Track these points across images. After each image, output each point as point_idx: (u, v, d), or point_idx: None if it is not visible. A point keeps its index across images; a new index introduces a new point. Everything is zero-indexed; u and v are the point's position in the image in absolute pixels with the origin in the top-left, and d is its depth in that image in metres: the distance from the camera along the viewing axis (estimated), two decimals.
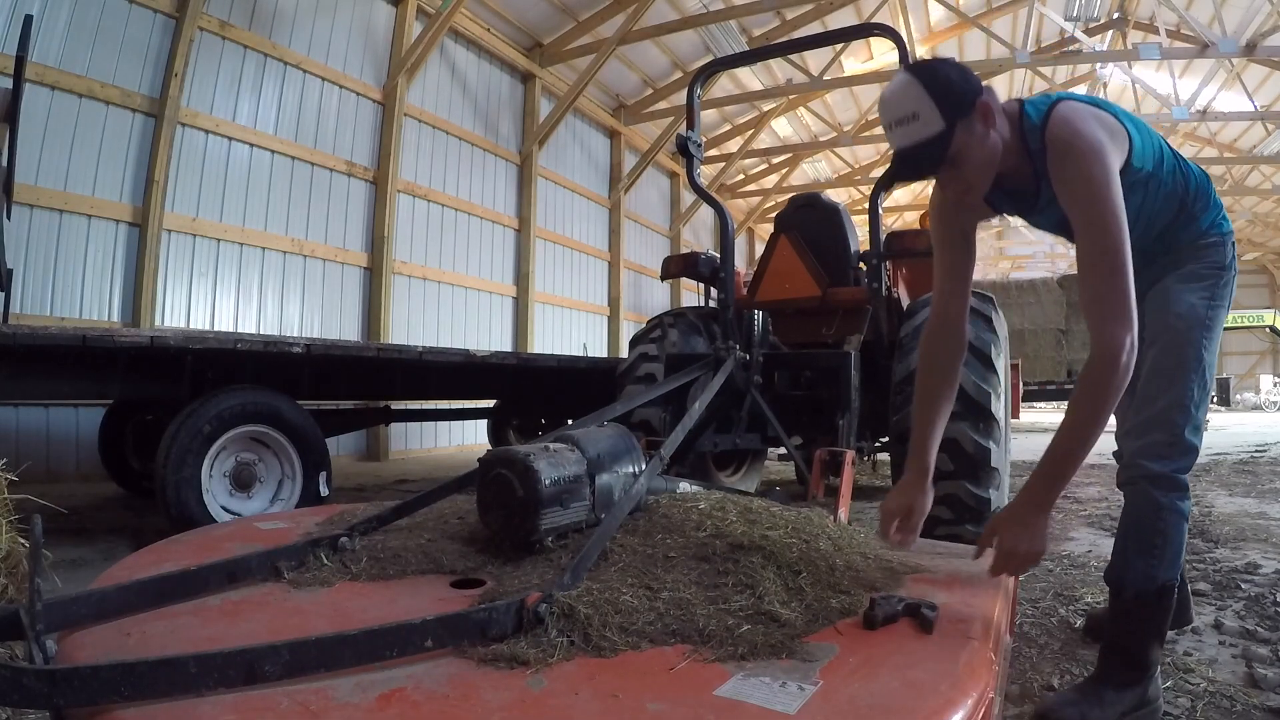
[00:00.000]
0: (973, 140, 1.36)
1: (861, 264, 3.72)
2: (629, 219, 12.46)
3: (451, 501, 1.64)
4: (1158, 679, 1.59)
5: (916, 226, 3.50)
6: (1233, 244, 1.66)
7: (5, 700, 0.74)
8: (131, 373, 3.06)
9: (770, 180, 16.29)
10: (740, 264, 10.79)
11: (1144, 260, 1.63)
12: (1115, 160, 1.38)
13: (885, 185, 3.15)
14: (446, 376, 4.61)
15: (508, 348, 9.36)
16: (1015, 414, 6.32)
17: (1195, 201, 1.60)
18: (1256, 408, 21.16)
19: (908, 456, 1.57)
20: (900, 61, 2.97)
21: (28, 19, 3.56)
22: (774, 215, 4.28)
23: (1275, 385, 22.29)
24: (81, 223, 5.31)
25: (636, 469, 1.54)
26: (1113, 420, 1.52)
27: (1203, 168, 1.68)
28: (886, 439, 3.57)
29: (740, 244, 16.67)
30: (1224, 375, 20.25)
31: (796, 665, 0.93)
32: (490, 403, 6.26)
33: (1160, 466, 1.55)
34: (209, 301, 6.17)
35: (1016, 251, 25.25)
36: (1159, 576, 1.56)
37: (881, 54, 12.23)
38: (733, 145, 14.12)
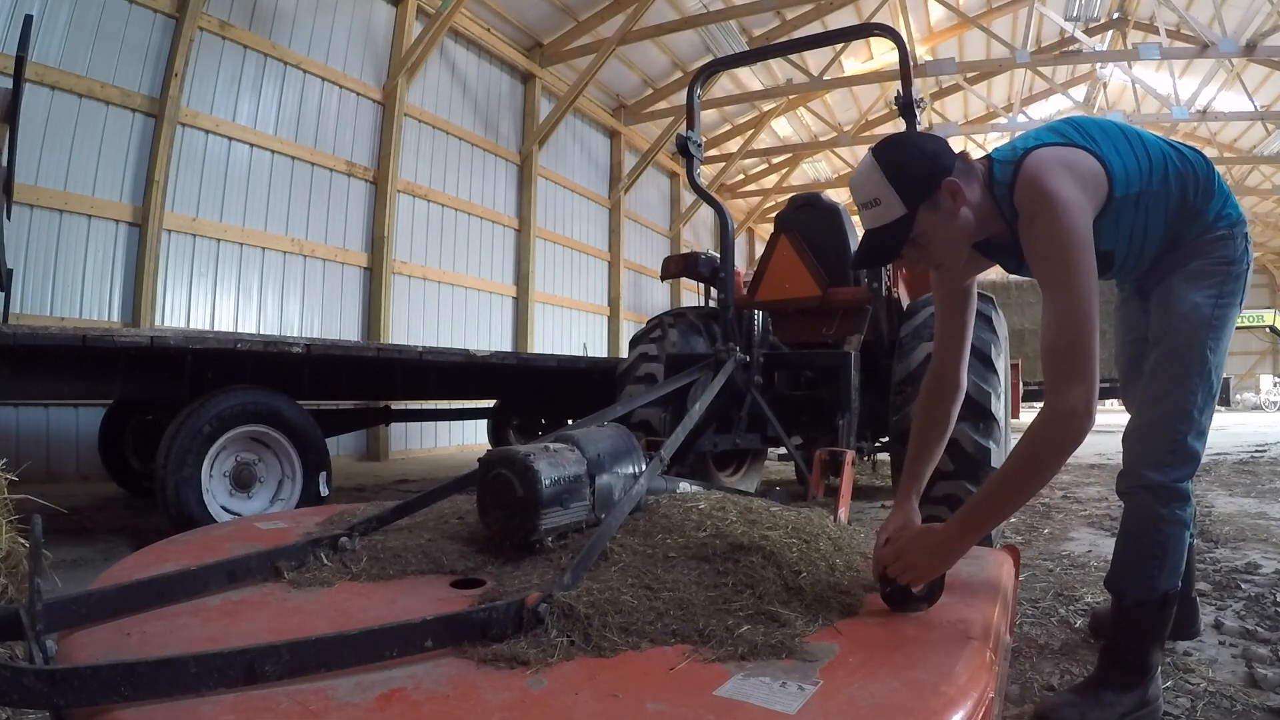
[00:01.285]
0: (938, 221, 1.31)
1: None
2: (629, 219, 12.46)
3: (451, 501, 1.64)
4: (1158, 680, 1.59)
5: None
6: (1243, 234, 1.58)
7: (5, 700, 0.74)
8: (131, 373, 3.06)
9: (770, 180, 16.29)
10: (740, 264, 10.79)
11: (1150, 260, 1.60)
12: (1088, 210, 1.33)
13: None
14: (446, 376, 4.60)
15: (508, 348, 9.35)
16: (1015, 414, 6.33)
17: (1198, 196, 1.53)
18: (1256, 408, 21.17)
19: (897, 493, 1.50)
20: (900, 62, 2.97)
21: (28, 19, 3.56)
22: (774, 215, 4.28)
23: (1275, 385, 22.31)
24: (81, 223, 5.31)
25: (637, 469, 1.54)
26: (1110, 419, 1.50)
27: (1201, 152, 1.59)
28: (886, 439, 3.57)
29: (740, 244, 16.67)
30: (1224, 375, 20.27)
31: (797, 665, 0.93)
32: (490, 403, 6.26)
33: (1160, 476, 1.53)
34: (209, 301, 6.16)
35: None
36: (1160, 586, 1.55)
37: (881, 54, 12.22)
38: (733, 145, 14.11)
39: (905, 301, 3.66)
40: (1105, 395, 13.43)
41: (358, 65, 7.51)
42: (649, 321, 3.87)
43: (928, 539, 1.20)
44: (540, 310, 10.14)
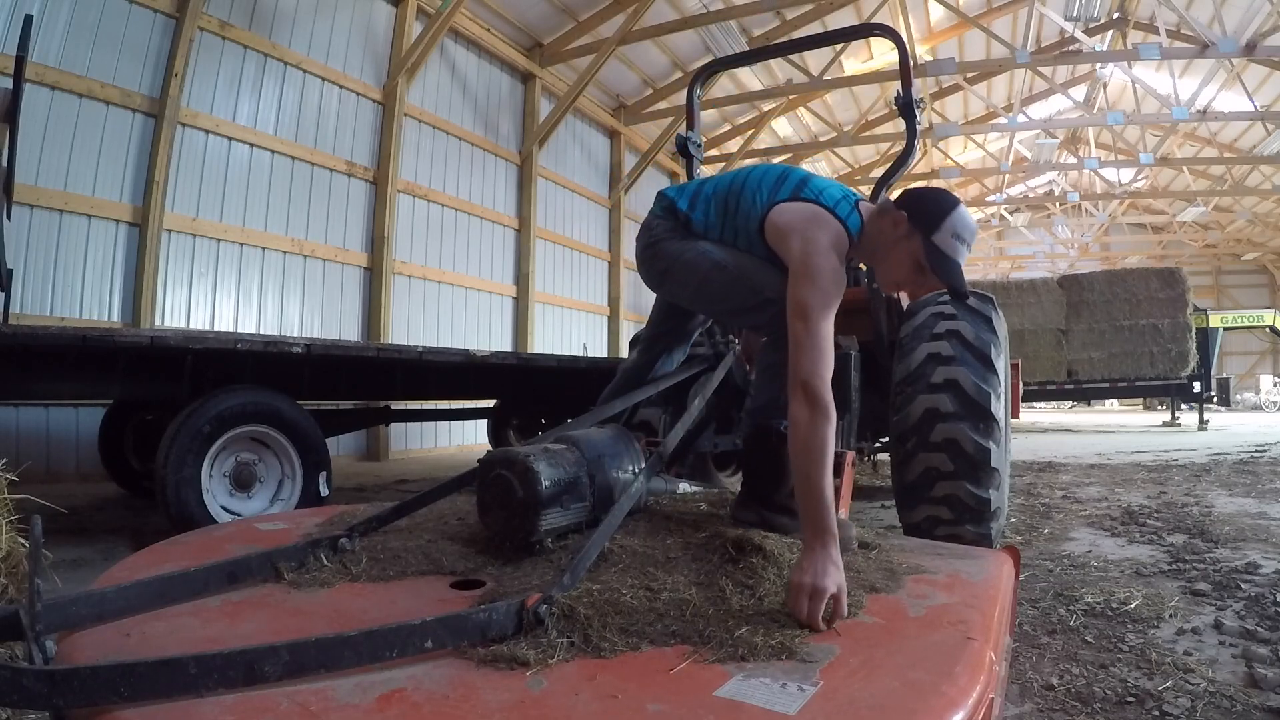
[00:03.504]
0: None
1: (861, 264, 3.71)
2: (629, 219, 12.45)
3: (451, 502, 1.64)
4: None
5: None
6: None
7: (5, 700, 0.74)
8: (131, 373, 3.06)
9: None
10: None
11: None
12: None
13: (885, 185, 3.14)
14: (446, 376, 4.60)
15: (508, 348, 9.35)
16: (1015, 414, 6.31)
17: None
18: (1256, 408, 21.15)
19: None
20: (900, 62, 2.97)
21: (28, 19, 3.56)
22: None
23: (1275, 385, 22.29)
24: (81, 223, 5.30)
25: (636, 469, 1.54)
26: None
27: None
28: (886, 439, 3.56)
29: None
30: (1224, 375, 20.21)
31: (797, 666, 0.93)
32: (490, 403, 6.27)
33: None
34: (209, 301, 6.16)
35: (1016, 251, 25.24)
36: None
37: (881, 54, 12.22)
38: (733, 145, 14.12)
39: (905, 302, 3.66)
40: (1101, 395, 13.43)
41: (358, 65, 7.51)
42: None
43: (801, 563, 1.13)
44: (540, 310, 10.14)
